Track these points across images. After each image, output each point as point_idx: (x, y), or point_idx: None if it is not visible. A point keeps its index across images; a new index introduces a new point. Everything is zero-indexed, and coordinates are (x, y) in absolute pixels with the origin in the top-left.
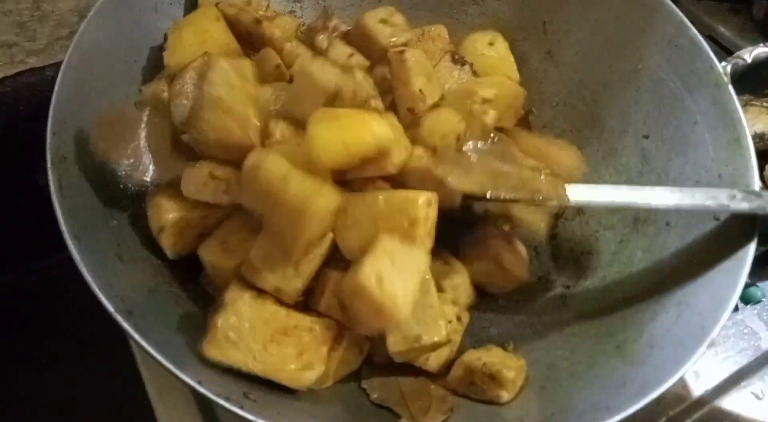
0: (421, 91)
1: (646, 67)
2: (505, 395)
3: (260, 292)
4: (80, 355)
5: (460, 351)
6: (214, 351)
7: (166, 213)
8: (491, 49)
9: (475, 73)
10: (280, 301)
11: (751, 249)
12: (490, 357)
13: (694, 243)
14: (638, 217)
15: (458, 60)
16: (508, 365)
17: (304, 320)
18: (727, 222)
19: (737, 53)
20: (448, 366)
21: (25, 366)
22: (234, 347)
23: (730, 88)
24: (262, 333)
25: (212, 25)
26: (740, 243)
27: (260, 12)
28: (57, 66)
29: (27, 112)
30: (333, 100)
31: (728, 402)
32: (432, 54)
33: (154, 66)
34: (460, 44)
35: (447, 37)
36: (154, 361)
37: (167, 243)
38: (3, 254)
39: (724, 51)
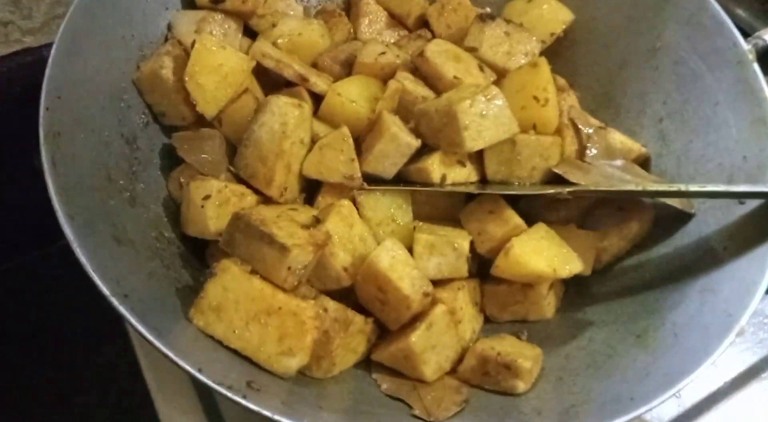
0: (456, 77)
1: (665, 45)
2: (521, 385)
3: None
4: (80, 346)
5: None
6: (199, 317)
7: (210, 182)
8: (531, 5)
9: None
10: (269, 281)
11: None
12: (504, 345)
13: (718, 229)
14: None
15: (486, 17)
16: (524, 354)
17: (290, 304)
18: (753, 207)
19: (757, 34)
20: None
21: (25, 357)
22: (217, 318)
23: (755, 65)
24: (246, 309)
25: (221, 57)
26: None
27: (260, 8)
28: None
29: (23, 93)
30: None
31: (748, 395)
32: (457, 23)
33: (152, 42)
34: (501, 12)
35: (468, 3)
36: (153, 348)
37: (211, 214)
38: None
39: (742, 33)
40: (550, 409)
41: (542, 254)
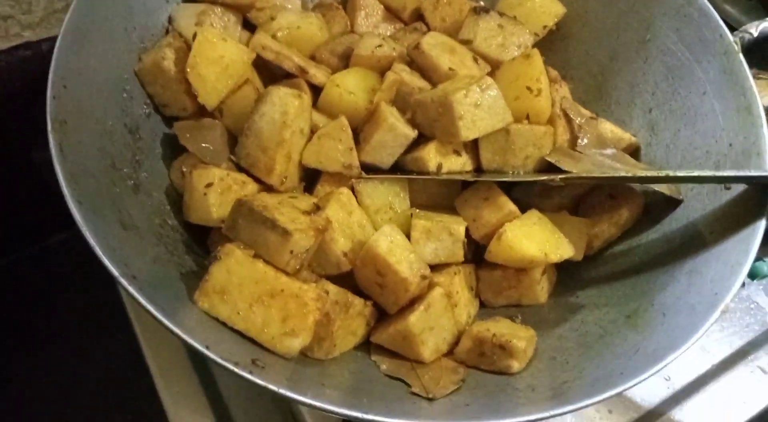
0: (451, 69)
1: (654, 37)
2: (515, 365)
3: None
4: (82, 337)
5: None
6: (204, 299)
7: (212, 170)
8: None
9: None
10: (271, 264)
11: (763, 216)
12: (500, 327)
13: (705, 214)
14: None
15: (480, 10)
16: (518, 335)
17: (292, 286)
18: (738, 192)
19: (744, 27)
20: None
21: (28, 350)
22: (222, 300)
23: (740, 56)
24: (249, 292)
25: (222, 48)
26: (752, 212)
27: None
28: (52, 40)
29: (22, 87)
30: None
31: (735, 377)
32: (452, 16)
33: (153, 34)
34: (495, 6)
35: None
36: (158, 332)
37: (214, 201)
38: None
39: (729, 28)
40: (543, 386)
41: (534, 239)
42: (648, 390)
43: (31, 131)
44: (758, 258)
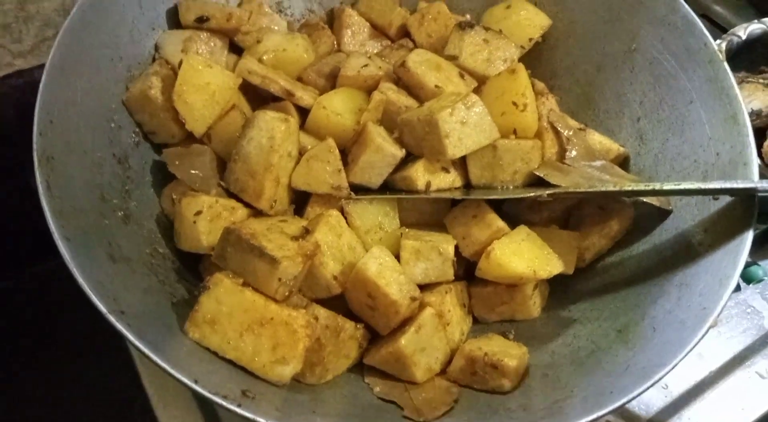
0: (437, 86)
1: (639, 47)
2: (507, 384)
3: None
4: (79, 356)
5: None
6: (194, 330)
7: (200, 198)
8: (510, 12)
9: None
10: (260, 292)
11: (750, 227)
12: (491, 346)
13: (694, 224)
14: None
15: (465, 25)
16: (509, 353)
17: (281, 314)
18: (727, 202)
19: (732, 30)
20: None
21: (27, 367)
22: (212, 330)
23: (725, 64)
24: (239, 321)
25: (208, 75)
26: (740, 222)
27: (244, 25)
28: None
29: (16, 114)
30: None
31: (733, 383)
32: (438, 32)
33: (140, 63)
34: (480, 20)
35: (448, 11)
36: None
37: (203, 229)
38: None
39: (720, 29)
40: (535, 405)
41: (523, 256)
42: (646, 398)
43: (27, 157)
44: (752, 263)
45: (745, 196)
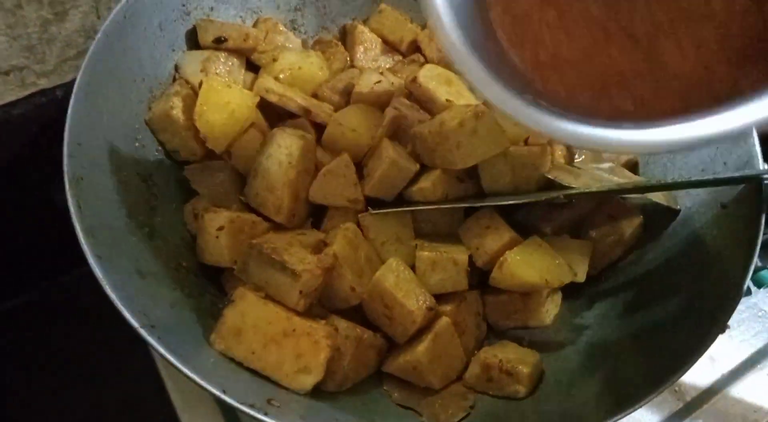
0: (448, 100)
1: None
2: (522, 390)
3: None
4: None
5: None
6: (220, 341)
7: (222, 213)
8: None
9: None
10: (282, 305)
11: (759, 233)
12: (506, 353)
13: (703, 230)
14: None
15: None
16: (524, 360)
17: (303, 325)
18: (735, 208)
19: None
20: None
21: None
22: (237, 341)
23: None
24: (263, 332)
25: (228, 95)
26: (748, 228)
27: (260, 45)
28: (66, 86)
29: (40, 132)
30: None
31: (745, 386)
32: None
33: (161, 83)
34: None
35: None
36: (180, 373)
37: (226, 244)
38: (25, 272)
39: None
40: (550, 412)
41: (534, 266)
42: (657, 404)
43: (51, 174)
44: (763, 267)
45: (752, 202)
